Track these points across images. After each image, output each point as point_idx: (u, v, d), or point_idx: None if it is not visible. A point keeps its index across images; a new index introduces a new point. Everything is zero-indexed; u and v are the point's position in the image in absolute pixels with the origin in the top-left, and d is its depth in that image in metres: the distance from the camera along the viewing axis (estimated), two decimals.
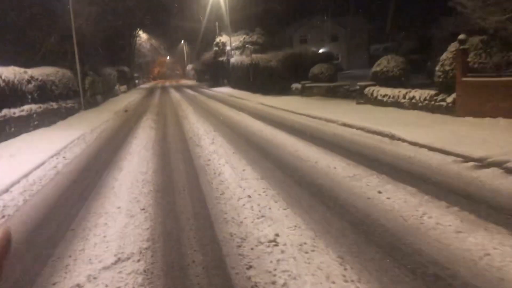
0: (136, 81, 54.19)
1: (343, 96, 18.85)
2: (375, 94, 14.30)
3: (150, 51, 65.35)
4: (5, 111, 12.47)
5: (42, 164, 9.24)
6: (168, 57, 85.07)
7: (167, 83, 62.26)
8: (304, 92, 21.35)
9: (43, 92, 16.11)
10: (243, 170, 7.05)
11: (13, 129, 12.76)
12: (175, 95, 32.47)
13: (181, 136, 11.58)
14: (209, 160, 8.07)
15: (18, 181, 7.74)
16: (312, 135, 10.29)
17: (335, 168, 6.90)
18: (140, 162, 8.40)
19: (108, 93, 31.06)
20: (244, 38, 36.68)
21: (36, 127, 14.60)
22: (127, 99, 30.14)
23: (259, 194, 5.66)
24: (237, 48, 36.97)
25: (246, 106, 19.25)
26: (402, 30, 44.65)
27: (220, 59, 39.40)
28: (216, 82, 41.15)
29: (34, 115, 14.66)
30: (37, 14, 21.33)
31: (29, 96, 14.74)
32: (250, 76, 28.44)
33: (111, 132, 14.06)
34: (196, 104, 22.09)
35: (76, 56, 21.79)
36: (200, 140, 10.51)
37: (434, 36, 33.60)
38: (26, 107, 14.19)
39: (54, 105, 17.17)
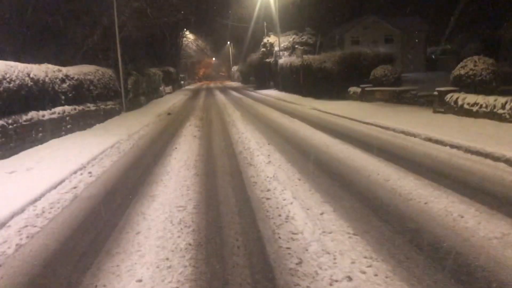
0: (182, 82, 53.03)
1: (410, 103, 16.29)
2: (460, 102, 11.72)
3: (196, 52, 64.19)
4: (32, 114, 10.84)
5: (61, 182, 7.41)
6: (213, 59, 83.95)
7: (212, 85, 60.94)
8: (363, 97, 18.90)
9: (79, 92, 14.52)
10: (321, 214, 4.84)
11: (40, 134, 11.12)
12: (220, 97, 30.66)
13: (228, 149, 9.51)
14: (269, 190, 5.91)
15: (22, 210, 5.90)
16: (396, 155, 7.94)
17: (462, 218, 4.57)
18: (178, 188, 6.36)
19: (153, 94, 29.66)
20: (294, 39, 34.48)
21: (68, 131, 12.97)
22: (172, 100, 28.58)
23: (363, 272, 3.43)
24: (285, 49, 34.82)
25: (299, 112, 17.02)
26: (463, 31, 41.09)
27: (267, 60, 37.38)
28: (262, 84, 39.17)
29: (67, 118, 13.04)
30: (79, 10, 19.97)
31: (63, 97, 13.14)
32: (300, 78, 26.19)
33: (149, 139, 12.21)
34: (243, 108, 20.06)
35: (119, 55, 20.29)
36: (252, 156, 8.39)
37: (503, 37, 30.22)
38: (59, 109, 12.58)
39: (92, 106, 15.58)
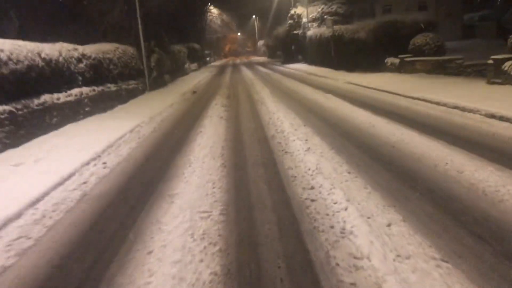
0: (207, 58, 51.82)
1: (456, 73, 14.62)
2: None
3: (221, 27, 62.60)
4: (45, 97, 9.91)
5: (70, 177, 6.44)
6: (239, 34, 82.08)
7: (238, 60, 59.45)
8: (402, 68, 17.27)
9: (98, 72, 13.54)
10: (388, 225, 3.64)
11: (55, 119, 10.21)
12: (247, 73, 29.34)
13: (259, 133, 8.34)
14: (312, 188, 4.73)
15: (19, 215, 4.94)
16: (459, 137, 6.59)
17: None
18: (202, 185, 5.25)
19: (177, 71, 28.62)
20: (322, 9, 32.54)
21: (87, 114, 12.05)
22: (197, 78, 27.48)
23: None
24: (314, 20, 32.98)
25: (334, 87, 15.60)
26: None
27: (295, 32, 35.63)
28: (289, 58, 37.51)
29: (85, 100, 12.10)
30: None
31: (80, 78, 12.18)
32: (332, 50, 24.55)
33: (173, 122, 11.16)
34: (272, 85, 18.75)
35: (141, 32, 19.22)
36: (287, 141, 7.20)
37: None
38: (75, 90, 11.63)
39: (112, 87, 14.61)
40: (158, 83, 21.59)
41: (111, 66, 14.85)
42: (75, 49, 12.20)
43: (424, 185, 4.57)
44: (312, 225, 3.78)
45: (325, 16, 31.84)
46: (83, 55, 12.54)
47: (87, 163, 7.18)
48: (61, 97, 10.75)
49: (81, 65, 12.33)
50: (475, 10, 44.37)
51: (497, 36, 28.84)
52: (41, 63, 9.92)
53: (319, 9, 32.72)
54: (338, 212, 3.96)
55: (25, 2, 22.38)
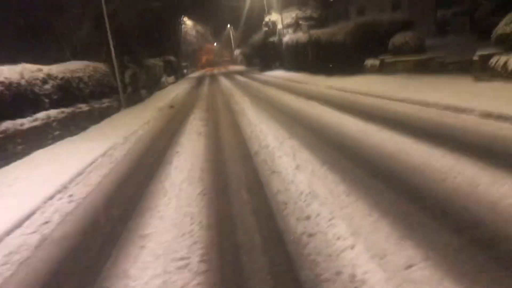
0: (185, 70, 50.95)
1: (438, 71, 14.12)
2: (511, 67, 9.64)
3: (196, 38, 61.81)
4: (6, 124, 9.00)
5: (30, 216, 5.60)
6: (215, 44, 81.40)
7: (216, 71, 58.68)
8: (383, 70, 16.76)
9: (67, 92, 12.63)
10: (407, 267, 2.91)
11: (19, 147, 9.29)
12: (225, 83, 28.61)
13: (242, 149, 7.59)
14: (308, 218, 3.99)
15: None
16: (460, 143, 5.93)
17: None
18: (178, 221, 4.46)
19: (154, 86, 27.73)
20: (297, 14, 32.13)
21: (57, 138, 11.13)
22: (175, 91, 26.61)
23: None
24: (289, 26, 32.51)
25: (315, 93, 14.96)
26: None
27: (271, 39, 35.09)
28: (267, 65, 36.92)
29: (54, 124, 11.19)
30: (64, 2, 17.99)
31: (46, 100, 11.26)
32: (309, 55, 24.03)
33: (148, 141, 10.34)
34: (251, 94, 18.04)
35: (112, 47, 18.32)
36: (273, 158, 6.46)
37: None
38: (42, 114, 10.73)
39: (84, 107, 13.71)
40: (134, 99, 20.71)
41: (82, 85, 13.95)
42: (39, 70, 11.30)
43: (438, 206, 3.88)
44: (314, 271, 3.04)
45: (300, 22, 31.44)
46: (49, 76, 11.63)
47: (51, 197, 6.33)
48: (26, 122, 9.85)
49: (47, 87, 11.43)
50: (447, 7, 44.60)
51: (471, 32, 28.75)
52: None
53: (294, 15, 32.30)
54: (343, 251, 3.23)
55: None
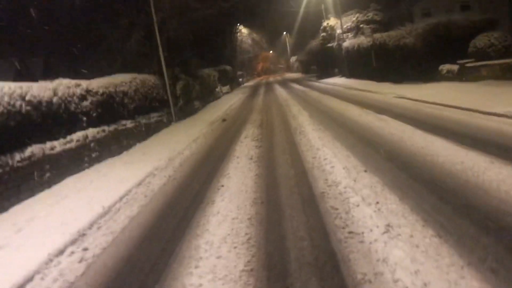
0: (240, 79, 49.92)
1: None
2: None
3: (252, 47, 60.77)
4: (32, 149, 7.82)
5: (29, 281, 4.19)
6: (270, 52, 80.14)
7: (271, 79, 57.25)
8: (464, 76, 14.37)
9: (109, 109, 11.49)
10: None
11: (48, 174, 8.10)
12: (281, 92, 26.92)
13: (301, 185, 5.81)
14: None
15: None
16: None
17: None
18: None
19: (208, 96, 26.67)
20: (357, 18, 29.92)
21: (94, 161, 9.95)
22: (229, 102, 25.31)
23: None
24: (349, 30, 30.39)
25: (384, 104, 12.89)
26: None
27: (329, 45, 33.10)
28: (325, 72, 34.90)
29: (92, 144, 10.02)
30: (113, 12, 17.17)
31: (84, 118, 10.12)
32: (373, 60, 21.86)
33: (193, 165, 8.84)
34: (310, 105, 16.21)
35: (162, 58, 17.27)
36: (347, 206, 4.62)
37: None
38: (78, 135, 9.57)
39: (129, 123, 12.55)
40: (186, 112, 19.57)
41: (126, 100, 12.81)
42: (77, 85, 10.17)
43: None
44: None
45: (361, 25, 29.23)
46: (88, 92, 10.50)
47: (61, 253, 4.90)
48: (57, 145, 8.67)
49: (86, 104, 10.29)
50: None
51: None
52: (25, 108, 7.86)
53: (354, 18, 30.14)
54: None
55: (49, 42, 21.09)
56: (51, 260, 4.72)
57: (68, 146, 9.03)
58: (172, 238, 4.70)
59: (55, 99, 8.92)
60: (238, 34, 50.87)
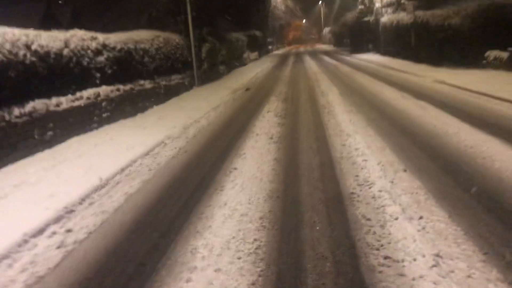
0: (270, 47, 48.34)
1: None
2: None
3: (285, 14, 58.57)
4: (34, 104, 7.09)
5: None
6: (304, 21, 77.52)
7: (302, 49, 55.41)
8: None
9: (126, 66, 10.66)
10: None
11: (50, 132, 7.39)
12: (310, 64, 25.61)
13: (327, 180, 4.90)
14: None
15: None
16: None
17: None
18: None
19: (235, 62, 25.57)
20: None
21: (104, 121, 9.22)
22: (255, 69, 24.20)
23: None
24: (388, 5, 28.44)
25: (423, 89, 11.69)
26: None
27: (366, 19, 31.27)
28: (358, 47, 33.14)
29: (104, 103, 9.26)
30: None
31: (97, 74, 9.32)
32: (412, 39, 20.32)
33: (208, 138, 8.01)
34: (341, 82, 15.05)
35: (189, 17, 16.22)
36: (382, 216, 3.72)
37: None
38: (89, 92, 8.81)
39: (147, 84, 11.74)
40: (210, 76, 18.64)
41: (146, 59, 11.93)
42: (93, 39, 9.33)
43: None
44: None
45: (403, 1, 27.29)
46: (104, 46, 9.66)
47: (40, 232, 4.19)
48: (64, 102, 7.92)
49: (101, 59, 9.47)
50: None
51: None
52: (30, 58, 7.07)
53: None
54: None
55: None
56: (26, 242, 4.01)
57: (76, 103, 8.29)
58: (167, 232, 3.91)
59: (65, 51, 8.11)
60: None
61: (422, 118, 7.76)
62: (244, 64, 28.16)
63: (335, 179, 4.85)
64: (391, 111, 8.74)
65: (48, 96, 7.55)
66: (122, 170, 6.14)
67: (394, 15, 24.97)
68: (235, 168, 5.65)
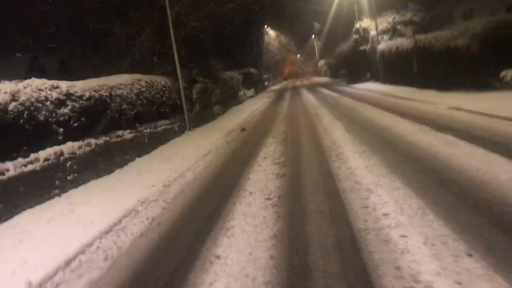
0: (266, 83, 47.28)
1: None
2: None
3: (279, 49, 57.99)
4: None
5: None
6: (298, 55, 77.14)
7: (298, 82, 54.38)
8: None
9: (97, 117, 9.09)
10: None
11: None
12: (309, 98, 24.16)
13: (356, 279, 3.19)
14: None
15: None
16: None
17: None
18: None
19: (230, 100, 24.21)
20: (394, 18, 26.87)
21: (69, 185, 7.55)
22: (252, 107, 22.75)
23: None
24: (384, 32, 27.35)
25: (439, 118, 10.05)
26: None
27: (362, 48, 30.13)
28: (355, 77, 31.87)
29: (69, 163, 7.62)
30: (123, 6, 14.90)
31: (60, 130, 7.73)
32: (414, 64, 18.91)
33: (189, 200, 6.32)
34: (344, 115, 13.43)
35: (176, 58, 14.87)
36: None
37: None
38: (47, 152, 7.19)
39: (126, 134, 10.17)
40: (204, 118, 17.16)
41: (124, 106, 10.40)
42: (54, 88, 7.80)
43: None
44: None
45: (398, 27, 26.21)
46: (68, 96, 8.11)
47: None
48: (11, 167, 6.28)
49: (64, 110, 7.91)
50: None
51: None
52: None
53: (390, 19, 27.09)
54: None
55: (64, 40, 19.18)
56: None
57: (29, 167, 6.66)
58: None
59: (11, 106, 6.53)
60: (265, 36, 48.28)
61: (456, 158, 6.06)
62: (241, 102, 26.80)
63: (365, 276, 3.11)
64: (413, 150, 7.05)
65: None
66: (68, 263, 4.42)
67: (392, 42, 23.78)
68: (218, 257, 3.91)
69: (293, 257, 3.68)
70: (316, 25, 54.76)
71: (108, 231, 5.29)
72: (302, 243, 3.95)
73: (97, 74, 12.29)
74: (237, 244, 4.15)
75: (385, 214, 4.23)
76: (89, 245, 4.86)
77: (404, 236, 3.64)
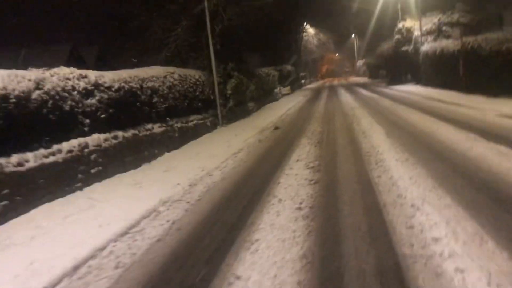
0: (303, 81, 46.41)
1: None
2: None
3: (317, 47, 56.81)
4: None
5: None
6: (337, 54, 75.53)
7: (336, 82, 53.16)
8: None
9: (127, 109, 8.76)
10: None
11: (4, 202, 5.42)
12: (346, 98, 23.28)
13: None
14: None
15: None
16: None
17: None
18: None
19: (266, 97, 23.67)
20: (439, 19, 25.49)
21: (92, 179, 7.23)
22: (287, 105, 22.13)
23: None
24: (428, 33, 26.02)
25: (488, 126, 9.11)
26: None
27: (404, 49, 28.82)
28: (395, 78, 30.62)
29: (93, 156, 7.29)
30: None
31: (86, 121, 7.42)
32: (460, 68, 17.74)
33: (215, 203, 5.82)
34: (384, 118, 12.61)
35: (212, 52, 14.45)
36: None
37: None
38: (71, 143, 6.87)
39: (156, 128, 9.82)
40: (237, 114, 16.71)
41: (155, 99, 10.05)
42: (82, 77, 7.49)
43: None
44: None
45: (444, 28, 24.84)
46: (96, 86, 7.79)
47: None
48: (31, 158, 5.98)
49: (91, 101, 7.59)
50: None
51: None
52: None
53: (435, 20, 25.72)
54: None
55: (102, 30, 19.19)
56: None
57: (50, 159, 6.35)
58: None
59: (35, 95, 6.23)
60: (305, 33, 47.36)
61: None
62: (276, 100, 26.22)
63: None
64: (462, 161, 6.28)
65: (4, 153, 5.62)
66: (76, 268, 4.00)
67: (437, 43, 22.53)
68: (238, 278, 3.38)
69: (325, 285, 3.10)
70: (352, 37, 53.49)
71: (124, 233, 4.87)
72: (336, 268, 3.35)
73: (133, 65, 12.03)
74: (261, 262, 3.60)
75: (435, 240, 3.56)
76: (102, 248, 4.45)
77: (460, 271, 2.99)
